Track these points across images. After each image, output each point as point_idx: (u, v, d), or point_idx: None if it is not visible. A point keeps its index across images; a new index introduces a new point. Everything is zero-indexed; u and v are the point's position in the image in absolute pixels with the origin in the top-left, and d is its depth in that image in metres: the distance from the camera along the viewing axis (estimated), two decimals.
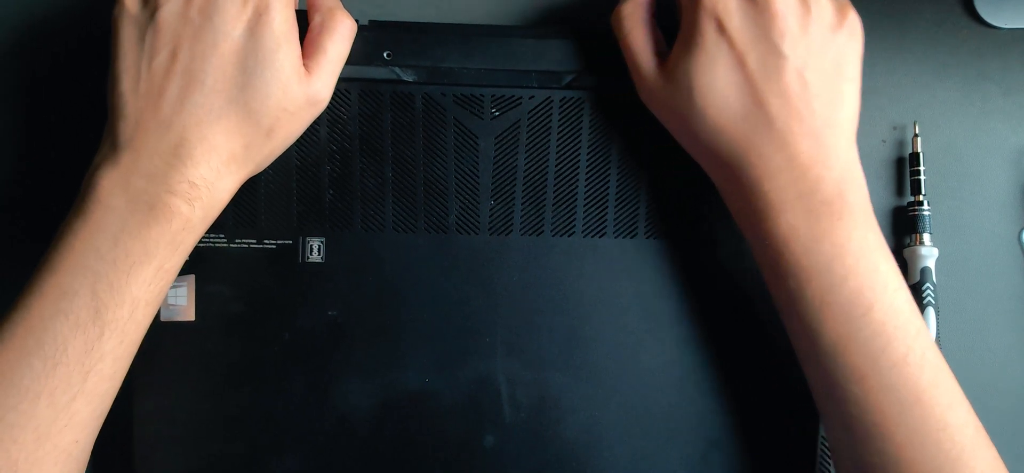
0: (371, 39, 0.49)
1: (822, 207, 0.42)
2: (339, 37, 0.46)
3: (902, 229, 0.57)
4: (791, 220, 0.43)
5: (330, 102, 0.49)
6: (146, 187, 0.42)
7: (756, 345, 0.50)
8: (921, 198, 0.55)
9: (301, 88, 0.44)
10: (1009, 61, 0.57)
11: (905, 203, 0.56)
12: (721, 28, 0.43)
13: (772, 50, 0.43)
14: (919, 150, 0.55)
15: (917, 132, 0.55)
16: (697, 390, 0.51)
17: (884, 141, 0.57)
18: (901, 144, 0.57)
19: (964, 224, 0.57)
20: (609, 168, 0.50)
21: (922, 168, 0.55)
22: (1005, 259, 0.57)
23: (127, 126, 0.43)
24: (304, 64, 0.45)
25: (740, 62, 0.43)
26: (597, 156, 0.50)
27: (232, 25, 0.43)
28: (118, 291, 0.41)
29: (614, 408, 0.50)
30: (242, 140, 0.44)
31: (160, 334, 0.49)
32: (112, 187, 0.42)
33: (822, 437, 0.50)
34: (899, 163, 0.57)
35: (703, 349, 0.51)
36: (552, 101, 0.49)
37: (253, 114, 0.44)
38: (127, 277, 0.42)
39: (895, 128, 0.57)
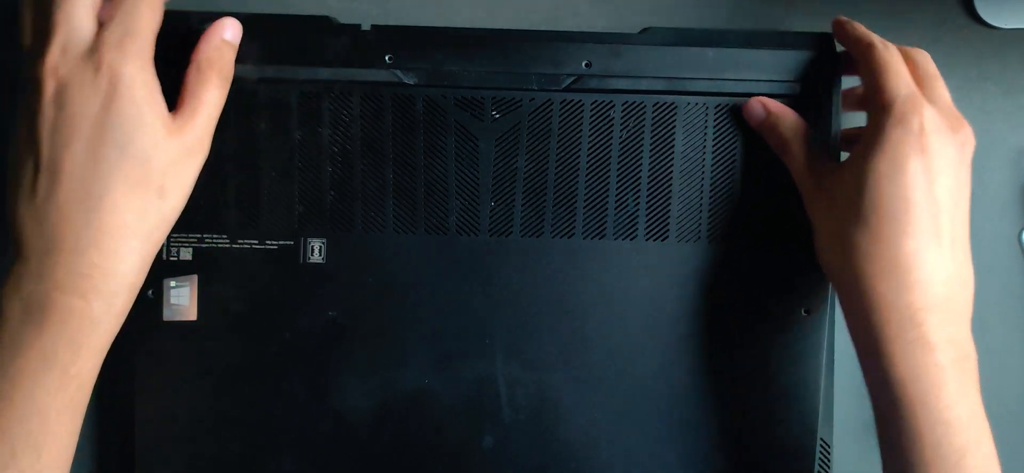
0: (373, 42, 0.48)
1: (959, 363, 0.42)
2: (211, 86, 0.44)
3: None
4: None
5: (332, 104, 0.49)
6: (35, 289, 0.40)
7: (756, 347, 0.50)
8: None
9: (177, 141, 0.42)
10: (1009, 61, 0.57)
11: None
12: (920, 130, 0.42)
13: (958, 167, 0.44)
14: None
15: None
16: (697, 392, 0.50)
17: None
18: None
19: None
20: (609, 170, 0.49)
21: None
22: (1005, 259, 0.56)
23: (16, 234, 0.41)
24: (179, 113, 0.43)
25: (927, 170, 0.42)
26: (597, 158, 0.49)
27: (87, 105, 0.40)
28: (20, 405, 0.39)
29: (614, 409, 0.50)
30: (133, 211, 0.41)
31: (162, 334, 0.49)
32: (9, 297, 0.40)
33: (821, 440, 0.50)
34: None
35: (703, 351, 0.50)
36: (552, 103, 0.49)
37: (138, 182, 0.41)
38: (31, 388, 0.39)
39: None
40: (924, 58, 0.45)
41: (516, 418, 0.50)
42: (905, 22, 0.57)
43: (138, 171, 0.41)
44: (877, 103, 0.43)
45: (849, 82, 0.50)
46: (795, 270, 0.49)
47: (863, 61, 0.45)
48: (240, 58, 0.48)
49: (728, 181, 0.49)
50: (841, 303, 0.45)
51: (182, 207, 0.44)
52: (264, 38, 0.49)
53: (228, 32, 0.46)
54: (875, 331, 0.41)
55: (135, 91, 0.41)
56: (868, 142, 0.43)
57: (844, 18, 0.48)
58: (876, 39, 0.45)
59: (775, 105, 0.48)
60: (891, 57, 0.44)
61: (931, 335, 0.41)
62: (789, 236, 0.49)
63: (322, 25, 0.49)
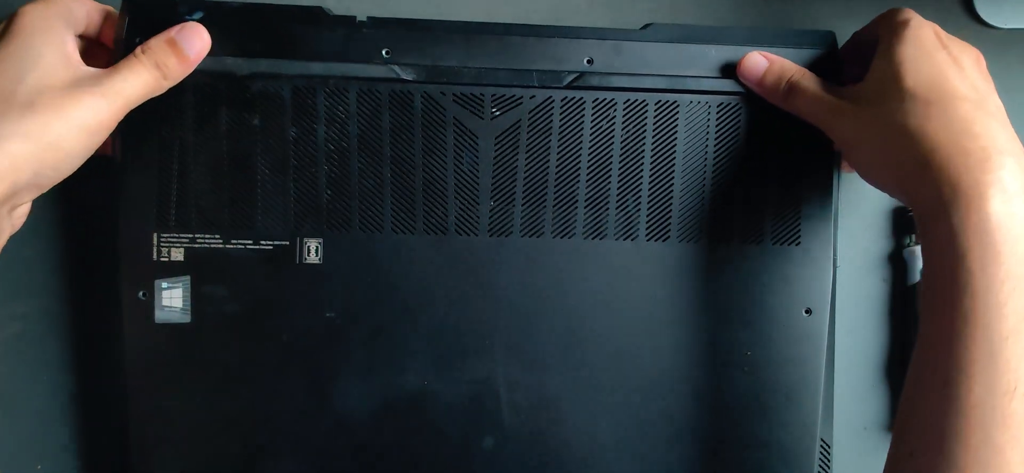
0: (368, 36, 0.46)
1: None
2: (138, 67, 0.44)
3: (902, 229, 0.55)
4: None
5: (327, 100, 0.47)
6: None
7: (757, 348, 0.49)
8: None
9: (70, 73, 0.43)
10: (1009, 61, 0.56)
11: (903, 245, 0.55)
12: (937, 34, 0.43)
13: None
14: None
15: None
16: (697, 393, 0.49)
17: None
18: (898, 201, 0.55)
19: None
20: (610, 169, 0.47)
21: None
22: None
23: None
24: (98, 71, 0.43)
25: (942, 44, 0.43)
26: (598, 157, 0.47)
27: None
28: None
29: (614, 410, 0.49)
30: None
31: (156, 336, 0.47)
32: None
33: (821, 440, 0.49)
34: (897, 212, 0.56)
35: (704, 352, 0.49)
36: (553, 101, 0.47)
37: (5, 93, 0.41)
38: None
39: None
40: None
41: (516, 419, 0.48)
42: None
43: (7, 85, 0.41)
44: (890, 25, 0.44)
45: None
46: (796, 270, 0.48)
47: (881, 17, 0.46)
48: (231, 50, 0.46)
49: (730, 181, 0.48)
50: (899, 187, 0.42)
51: (65, 140, 0.41)
52: (254, 29, 0.46)
53: (184, 39, 0.45)
54: (946, 187, 0.38)
55: (36, 21, 0.43)
56: (890, 45, 0.43)
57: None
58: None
59: (773, 55, 0.47)
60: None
61: (1008, 181, 0.38)
62: (791, 236, 0.47)
63: (315, 17, 0.47)
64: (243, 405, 0.48)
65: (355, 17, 0.47)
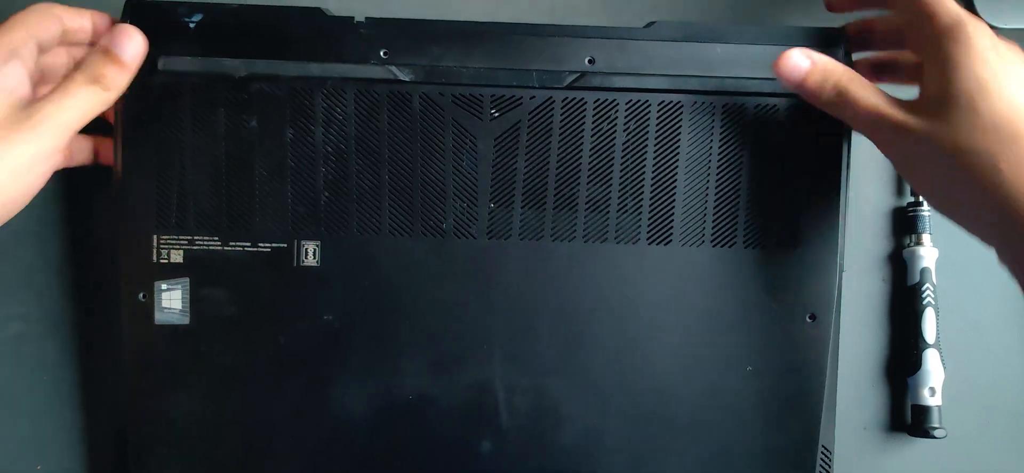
0: (366, 36, 0.43)
1: None
2: (69, 99, 0.39)
3: (902, 229, 0.52)
4: None
5: (325, 101, 0.44)
6: None
7: (760, 352, 0.45)
8: (920, 199, 0.51)
9: (4, 111, 0.38)
10: None
11: (905, 204, 0.52)
12: (997, 44, 0.37)
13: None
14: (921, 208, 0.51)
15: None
16: (697, 399, 0.46)
17: None
18: (901, 192, 0.53)
19: None
20: (611, 171, 0.44)
21: (923, 208, 0.51)
22: None
23: None
24: (34, 106, 0.39)
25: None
26: (599, 159, 0.44)
27: None
28: None
29: (613, 415, 0.46)
30: None
31: (155, 338, 0.45)
32: None
33: (822, 446, 0.46)
34: (898, 212, 0.53)
35: (705, 356, 0.45)
36: (553, 102, 0.44)
37: None
38: None
39: None
40: None
41: (514, 423, 0.45)
42: None
43: None
44: (937, 26, 0.38)
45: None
46: (801, 275, 0.45)
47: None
48: (229, 51, 0.43)
49: (734, 184, 0.44)
50: (970, 224, 0.39)
51: (2, 184, 0.38)
52: (253, 31, 0.44)
53: (118, 44, 0.41)
54: None
55: None
56: (953, 57, 0.37)
57: None
58: None
59: (818, 55, 0.41)
60: None
61: None
62: (796, 240, 0.44)
63: (313, 17, 0.44)
64: (241, 407, 0.45)
65: (353, 18, 0.44)
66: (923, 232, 0.50)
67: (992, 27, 0.51)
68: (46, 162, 0.39)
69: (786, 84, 0.41)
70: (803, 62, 0.40)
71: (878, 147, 0.40)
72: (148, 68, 0.43)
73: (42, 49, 0.41)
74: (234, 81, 0.43)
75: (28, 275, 0.50)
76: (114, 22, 0.44)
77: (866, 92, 0.39)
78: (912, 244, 0.51)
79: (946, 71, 0.37)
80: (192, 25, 0.43)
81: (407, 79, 0.43)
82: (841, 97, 0.39)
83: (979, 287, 0.52)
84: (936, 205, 0.40)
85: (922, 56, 0.39)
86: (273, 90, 0.44)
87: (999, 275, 0.51)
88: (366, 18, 0.44)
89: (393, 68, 0.43)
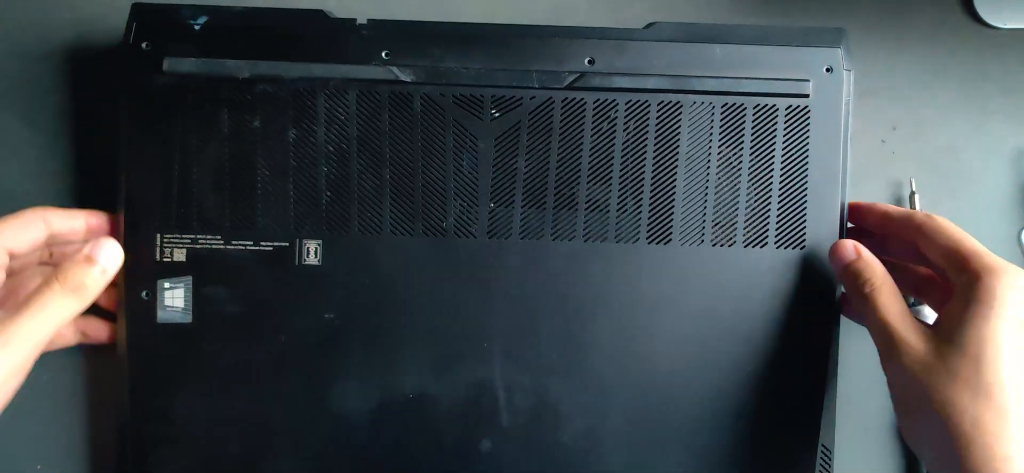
0: (368, 38, 0.43)
1: None
2: (48, 295, 0.38)
3: None
4: None
5: (327, 102, 0.44)
6: None
7: (759, 352, 0.45)
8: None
9: None
10: (1009, 61, 0.52)
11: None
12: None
13: None
14: (917, 207, 0.50)
15: (914, 189, 0.50)
16: (697, 398, 0.45)
17: (884, 141, 0.51)
18: (899, 201, 0.52)
19: (964, 224, 0.50)
20: (611, 171, 0.44)
21: None
22: (1005, 259, 0.51)
23: None
24: (8, 311, 0.38)
25: None
26: (599, 159, 0.44)
27: None
28: None
29: (613, 415, 0.45)
30: None
31: (156, 336, 0.45)
32: None
33: (822, 446, 0.45)
34: None
35: (705, 356, 0.45)
36: (553, 102, 0.44)
37: None
38: None
39: (895, 128, 0.51)
40: None
41: (514, 422, 0.45)
42: (905, 22, 0.52)
43: None
44: (977, 266, 0.37)
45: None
46: (801, 275, 0.45)
47: (921, 233, 0.40)
48: (233, 53, 0.43)
49: (733, 184, 0.44)
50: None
51: None
52: (256, 32, 0.44)
53: (99, 253, 0.41)
54: None
55: None
56: (976, 306, 0.36)
57: (863, 205, 0.44)
58: (918, 213, 0.42)
59: (866, 252, 0.41)
60: (950, 224, 0.40)
61: None
62: (796, 240, 0.44)
63: (316, 19, 0.44)
64: (243, 406, 0.45)
65: (355, 19, 0.44)
66: None
67: (992, 27, 0.52)
68: (19, 375, 0.38)
69: (832, 266, 0.43)
70: (850, 253, 0.42)
71: (880, 357, 0.40)
72: (153, 69, 0.43)
73: (15, 257, 0.41)
74: (238, 82, 0.44)
75: None
76: (111, 218, 0.44)
77: (890, 303, 0.39)
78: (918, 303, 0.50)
79: (967, 313, 0.36)
80: (197, 27, 0.43)
81: (408, 80, 0.43)
82: (869, 296, 0.40)
83: None
84: (905, 433, 0.39)
85: (955, 287, 0.38)
86: (276, 91, 0.44)
87: None
88: (368, 20, 0.44)
89: (394, 69, 0.43)
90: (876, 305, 0.39)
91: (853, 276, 0.41)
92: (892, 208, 0.43)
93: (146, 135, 0.44)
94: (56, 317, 0.38)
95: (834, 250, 0.42)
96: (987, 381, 0.34)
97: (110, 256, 0.41)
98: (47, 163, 0.49)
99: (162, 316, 0.45)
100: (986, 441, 0.34)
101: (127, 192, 0.44)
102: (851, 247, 0.42)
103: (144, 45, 0.43)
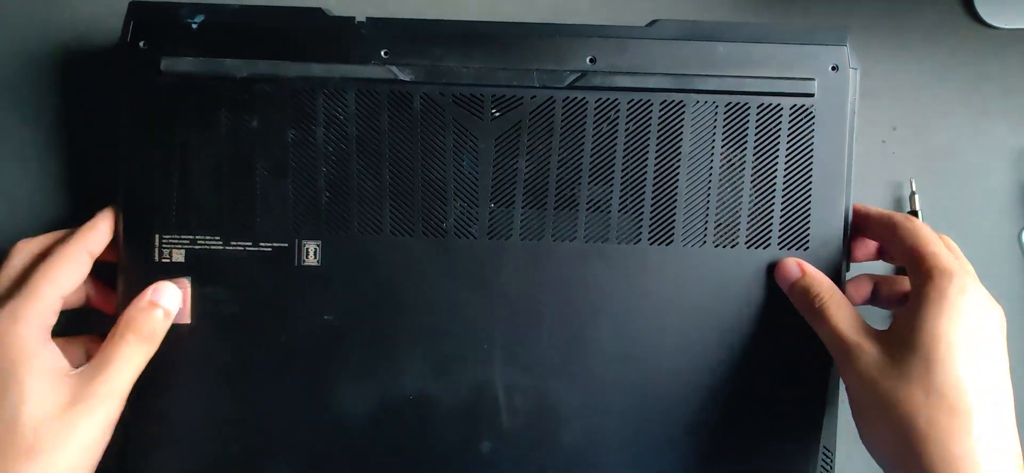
0: (367, 36, 0.40)
1: None
2: (124, 345, 0.38)
3: None
4: None
5: (326, 102, 0.41)
6: None
7: (761, 353, 0.42)
8: (915, 212, 0.48)
9: (64, 395, 0.36)
10: (1009, 61, 0.50)
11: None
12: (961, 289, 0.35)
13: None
14: (917, 208, 0.48)
15: (914, 190, 0.48)
16: (698, 400, 0.43)
17: (884, 141, 0.48)
18: (899, 201, 0.49)
19: (964, 224, 0.49)
20: (613, 172, 0.41)
21: None
22: (1005, 259, 0.49)
23: None
24: (87, 367, 0.37)
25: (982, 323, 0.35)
26: (600, 159, 0.41)
27: None
28: None
29: (614, 416, 0.43)
30: None
31: None
32: None
33: (823, 448, 0.43)
34: None
35: (706, 357, 0.42)
36: (554, 102, 0.41)
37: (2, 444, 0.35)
38: None
39: (895, 128, 0.48)
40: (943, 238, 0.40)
41: (515, 423, 0.43)
42: (905, 22, 0.49)
43: (3, 431, 0.35)
44: (926, 268, 0.36)
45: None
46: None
47: (894, 233, 0.39)
48: (230, 52, 0.40)
49: (736, 184, 0.41)
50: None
51: (76, 465, 0.36)
52: (254, 31, 0.41)
53: (161, 297, 0.40)
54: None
55: (12, 350, 0.36)
56: (926, 309, 0.35)
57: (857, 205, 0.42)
58: (899, 214, 0.40)
59: (810, 268, 0.40)
60: (923, 226, 0.38)
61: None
62: (800, 241, 0.41)
63: (314, 17, 0.41)
64: (242, 407, 0.42)
65: (354, 18, 0.41)
66: None
67: (992, 27, 0.49)
68: (113, 427, 0.38)
69: (780, 285, 0.41)
70: (794, 271, 0.40)
71: (837, 367, 0.39)
72: (151, 69, 0.40)
73: (66, 301, 0.39)
74: (235, 81, 0.41)
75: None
76: (114, 211, 0.42)
77: (841, 313, 0.38)
78: None
79: (917, 316, 0.35)
80: (194, 26, 0.41)
81: (408, 79, 0.41)
82: (819, 311, 0.39)
83: None
84: (865, 440, 0.37)
85: (910, 295, 0.37)
86: (274, 90, 0.41)
87: (999, 276, 0.49)
88: (367, 18, 0.41)
89: (394, 68, 0.41)
90: (827, 317, 0.38)
91: (801, 294, 0.40)
92: (873, 210, 0.41)
93: (144, 135, 0.41)
94: (135, 366, 0.38)
95: (779, 270, 0.41)
96: (940, 381, 0.33)
97: (171, 298, 0.41)
98: (47, 163, 0.47)
99: None
100: (942, 439, 0.33)
101: (125, 192, 0.42)
102: (795, 265, 0.41)
103: (141, 44, 0.41)
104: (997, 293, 0.48)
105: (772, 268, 0.41)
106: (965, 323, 0.34)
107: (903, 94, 0.49)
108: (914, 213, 0.48)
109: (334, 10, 0.41)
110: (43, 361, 0.36)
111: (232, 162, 0.41)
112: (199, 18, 0.41)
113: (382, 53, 0.41)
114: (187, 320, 0.42)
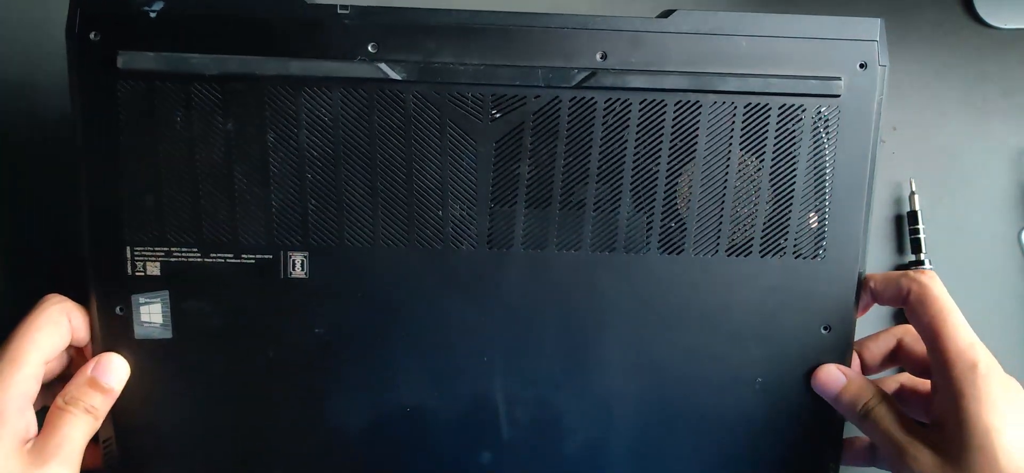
0: (352, 28, 0.30)
1: None
2: (69, 422, 0.31)
3: (907, 237, 0.41)
4: None
5: (308, 102, 0.31)
6: None
7: (772, 364, 0.34)
8: (922, 257, 0.41)
9: (17, 465, 0.30)
10: (1009, 61, 0.43)
11: (907, 261, 0.42)
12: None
13: None
14: (917, 208, 0.41)
15: (914, 190, 0.41)
16: (706, 413, 0.35)
17: (884, 141, 0.41)
18: (898, 201, 0.42)
19: (964, 224, 0.42)
20: (622, 177, 0.31)
21: (922, 227, 0.41)
22: (1005, 259, 0.43)
23: None
24: (37, 443, 0.31)
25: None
26: (609, 163, 0.32)
27: None
28: None
29: (621, 432, 0.35)
30: None
31: (136, 353, 0.33)
32: None
33: (830, 467, 0.35)
34: (898, 220, 0.42)
35: (715, 370, 0.34)
36: (561, 102, 0.31)
37: None
38: None
39: (895, 128, 0.41)
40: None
41: (517, 445, 0.34)
42: (905, 22, 0.42)
43: None
44: (950, 361, 0.31)
45: None
46: (819, 286, 0.34)
47: (905, 301, 0.32)
48: (197, 46, 0.30)
49: (752, 191, 0.32)
50: None
51: None
52: (221, 21, 0.31)
53: (102, 374, 0.33)
54: None
55: None
56: (965, 403, 0.30)
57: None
58: (912, 279, 0.32)
59: (850, 372, 0.34)
60: (929, 293, 0.32)
61: None
62: (815, 249, 0.33)
63: (290, 5, 0.31)
64: (230, 422, 0.34)
65: (335, 6, 0.30)
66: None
67: (992, 27, 0.41)
68: None
69: (822, 395, 0.34)
70: (838, 378, 0.34)
71: (889, 467, 0.34)
72: (106, 65, 0.30)
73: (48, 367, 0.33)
74: (205, 79, 0.31)
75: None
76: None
77: (890, 416, 0.32)
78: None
79: (961, 412, 0.30)
80: (152, 14, 0.31)
81: (399, 78, 0.31)
82: (866, 416, 0.33)
83: (979, 287, 0.41)
84: None
85: (937, 384, 0.32)
86: (250, 90, 0.31)
87: (999, 276, 0.41)
88: (351, 6, 0.31)
89: (383, 66, 0.31)
90: (877, 422, 0.32)
91: (848, 405, 0.33)
92: (878, 279, 0.34)
93: (103, 139, 0.32)
94: (83, 435, 0.32)
95: (820, 381, 0.34)
96: (1003, 468, 0.29)
97: (113, 375, 0.33)
98: (46, 163, 0.38)
99: (140, 332, 0.33)
100: None
101: (88, 201, 0.32)
102: (836, 374, 0.34)
103: (92, 35, 0.31)
104: (997, 293, 0.42)
105: (789, 281, 0.33)
106: (1006, 410, 0.30)
107: (903, 94, 0.42)
108: (914, 213, 0.40)
109: None
110: (14, 430, 0.30)
111: (206, 168, 0.32)
112: (157, 5, 0.31)
113: (369, 47, 0.31)
114: (168, 335, 0.32)
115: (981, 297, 0.41)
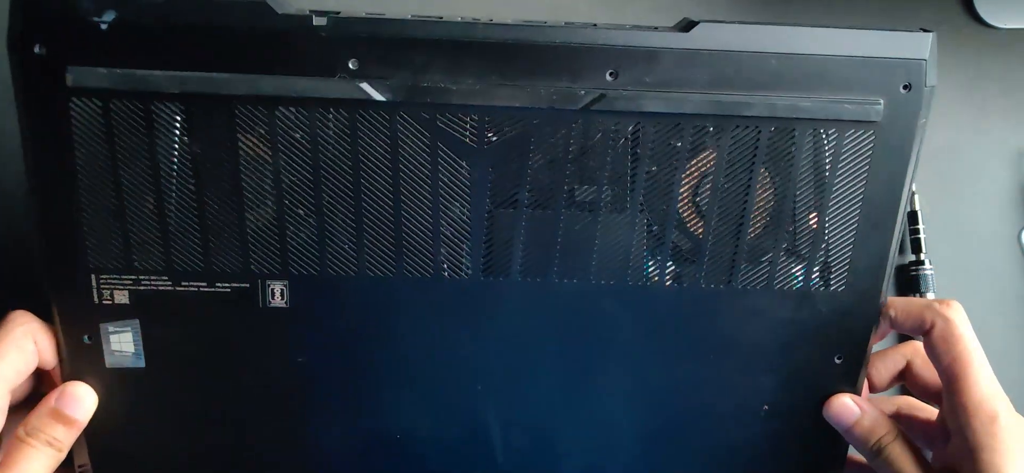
0: (330, 42, 0.24)
1: None
2: (27, 456, 0.26)
3: (904, 289, 0.38)
4: None
5: (282, 123, 0.25)
6: None
7: (779, 397, 0.30)
8: (922, 257, 0.37)
9: None
10: (1009, 61, 0.39)
11: (907, 262, 0.37)
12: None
13: None
14: (917, 208, 0.37)
15: (914, 190, 0.37)
16: (712, 442, 0.30)
17: None
18: None
19: (964, 224, 0.39)
20: (631, 205, 0.26)
21: (922, 227, 0.37)
22: (1005, 259, 0.40)
23: None
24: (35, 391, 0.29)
25: None
26: (617, 190, 0.27)
27: None
28: None
29: (618, 456, 0.30)
30: None
31: (107, 383, 0.28)
32: None
33: None
34: None
35: (722, 399, 0.30)
36: (566, 126, 0.25)
37: None
38: None
39: None
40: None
41: (510, 462, 0.30)
42: (905, 22, 0.37)
43: None
44: (970, 409, 0.27)
45: None
46: (834, 317, 0.29)
47: (930, 341, 0.28)
48: (157, 62, 0.23)
49: (768, 221, 0.27)
50: None
51: None
52: (181, 32, 0.24)
53: (66, 405, 0.28)
54: None
55: None
56: (984, 454, 0.26)
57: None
58: (936, 312, 0.28)
59: (865, 404, 0.29)
60: (973, 349, 0.27)
61: None
62: (834, 280, 0.28)
63: (258, 14, 0.25)
64: (209, 451, 0.30)
65: (310, 16, 0.24)
66: (926, 292, 0.37)
67: (992, 27, 0.38)
68: None
69: (834, 426, 0.30)
70: (852, 411, 0.29)
71: None
72: (54, 80, 0.24)
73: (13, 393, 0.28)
74: (168, 98, 0.25)
75: None
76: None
77: (905, 455, 0.29)
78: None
79: (978, 464, 0.27)
80: (103, 26, 0.24)
81: (383, 99, 0.24)
82: (881, 454, 0.29)
83: (979, 287, 0.38)
84: None
85: (953, 430, 0.28)
86: (217, 108, 0.25)
87: (999, 276, 0.37)
88: (327, 17, 0.24)
89: (365, 85, 0.24)
90: (892, 460, 0.29)
91: (861, 439, 0.29)
92: (899, 307, 0.29)
93: (57, 160, 0.26)
94: (44, 470, 0.27)
95: (833, 413, 0.30)
96: None
97: (78, 406, 0.28)
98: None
99: (111, 361, 0.28)
100: None
101: (43, 227, 0.26)
102: (850, 407, 0.29)
103: (37, 49, 0.24)
104: (997, 293, 0.38)
105: (804, 311, 0.28)
106: (1021, 458, 0.27)
107: None
108: (914, 213, 0.37)
109: (284, 6, 0.25)
110: None
111: (170, 194, 0.26)
112: (109, 16, 0.24)
113: (350, 64, 0.24)
114: (141, 364, 0.27)
115: (981, 297, 0.37)
